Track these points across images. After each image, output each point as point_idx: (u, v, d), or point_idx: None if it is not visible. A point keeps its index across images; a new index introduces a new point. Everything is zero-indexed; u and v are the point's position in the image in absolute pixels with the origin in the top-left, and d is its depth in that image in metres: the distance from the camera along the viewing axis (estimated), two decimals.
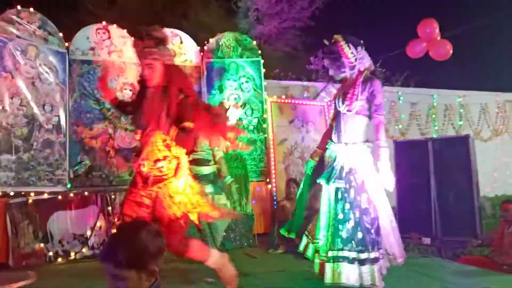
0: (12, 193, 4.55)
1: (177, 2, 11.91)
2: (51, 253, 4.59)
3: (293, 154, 6.07)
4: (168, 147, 2.82)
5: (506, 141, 8.58)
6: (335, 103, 3.50)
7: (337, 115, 3.47)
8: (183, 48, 5.69)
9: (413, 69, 9.53)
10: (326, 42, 3.39)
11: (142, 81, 3.02)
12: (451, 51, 6.75)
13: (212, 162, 4.54)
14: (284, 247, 4.94)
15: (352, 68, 3.36)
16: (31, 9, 4.85)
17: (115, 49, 5.32)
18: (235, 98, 5.67)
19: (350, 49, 3.29)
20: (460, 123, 8.34)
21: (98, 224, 4.81)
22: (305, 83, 7.59)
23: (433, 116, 8.26)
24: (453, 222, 5.20)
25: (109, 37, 5.31)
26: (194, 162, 4.38)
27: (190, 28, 6.32)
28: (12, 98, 4.59)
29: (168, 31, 5.68)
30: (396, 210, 5.73)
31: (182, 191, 2.82)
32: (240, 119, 5.76)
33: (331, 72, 3.50)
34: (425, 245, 5.26)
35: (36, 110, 4.73)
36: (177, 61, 5.58)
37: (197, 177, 4.57)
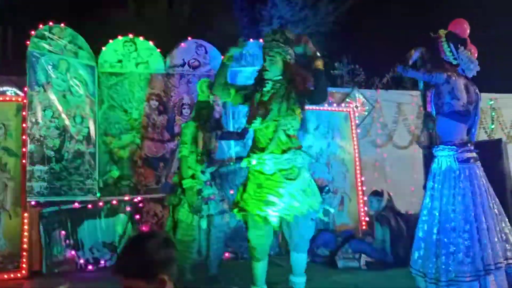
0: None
1: (202, 13, 12.11)
2: (82, 261, 4.72)
3: (318, 161, 6.02)
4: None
5: None
6: None
7: None
8: (208, 58, 5.76)
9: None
10: (432, 35, 3.25)
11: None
12: (476, 55, 6.49)
13: None
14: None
15: (454, 68, 3.15)
16: (62, 25, 5.03)
17: (141, 60, 5.45)
18: None
19: (449, 47, 3.14)
20: (492, 127, 8.07)
21: (127, 232, 4.92)
22: (329, 88, 7.52)
23: None
24: None
25: (136, 49, 5.45)
26: None
27: (215, 38, 6.39)
28: (44, 110, 4.76)
29: (192, 42, 5.83)
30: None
31: None
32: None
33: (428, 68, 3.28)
34: None
35: (67, 122, 4.88)
36: (202, 70, 5.68)
37: None
